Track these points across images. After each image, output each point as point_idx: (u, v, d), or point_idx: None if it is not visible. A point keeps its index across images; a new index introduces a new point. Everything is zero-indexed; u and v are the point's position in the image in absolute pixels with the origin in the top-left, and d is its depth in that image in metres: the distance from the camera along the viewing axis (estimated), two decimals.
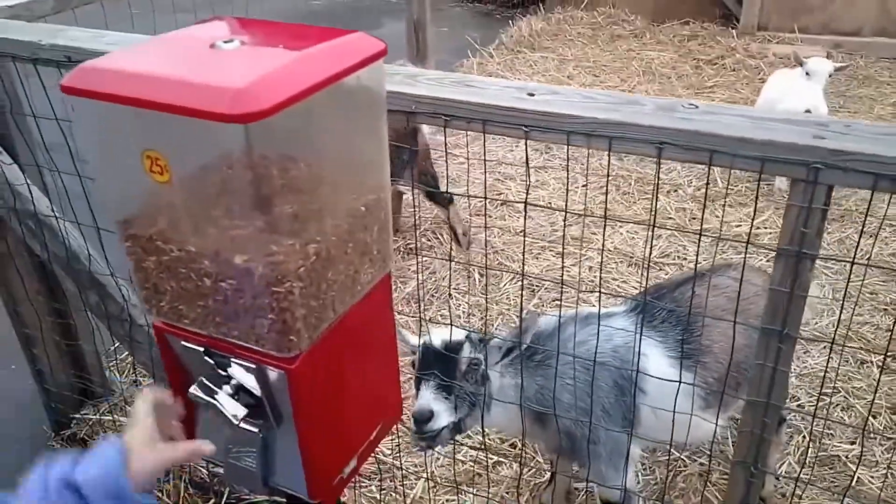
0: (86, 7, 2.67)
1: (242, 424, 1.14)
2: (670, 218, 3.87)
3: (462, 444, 2.66)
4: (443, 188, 3.62)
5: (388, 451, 2.67)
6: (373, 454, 2.62)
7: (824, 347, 3.12)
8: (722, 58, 5.99)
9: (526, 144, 1.46)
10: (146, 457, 1.01)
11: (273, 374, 1.07)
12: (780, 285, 1.34)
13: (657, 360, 1.99)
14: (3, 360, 3.14)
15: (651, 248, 3.63)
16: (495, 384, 1.92)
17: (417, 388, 1.85)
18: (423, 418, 1.76)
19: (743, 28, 6.28)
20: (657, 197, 4.11)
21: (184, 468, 2.56)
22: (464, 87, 1.51)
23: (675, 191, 4.19)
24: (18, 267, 2.52)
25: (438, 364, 1.81)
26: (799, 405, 2.86)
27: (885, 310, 3.36)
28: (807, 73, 4.26)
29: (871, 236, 3.77)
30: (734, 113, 1.32)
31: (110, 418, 2.78)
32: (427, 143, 3.44)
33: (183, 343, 1.13)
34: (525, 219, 3.32)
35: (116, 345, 3.11)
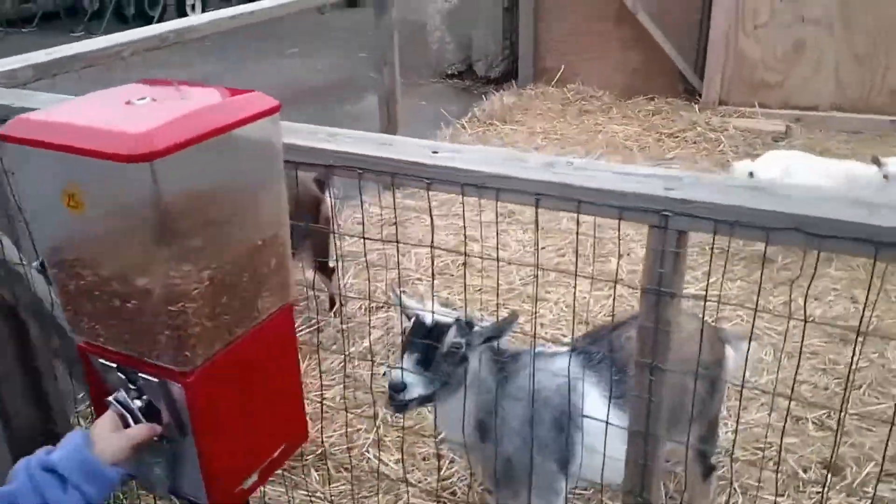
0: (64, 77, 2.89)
1: None
2: (621, 279, 4.04)
3: (401, 496, 2.75)
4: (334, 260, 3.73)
5: (336, 495, 2.76)
6: (319, 499, 2.72)
7: (762, 404, 3.24)
8: (683, 131, 6.28)
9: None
10: (110, 438, 1.20)
11: (173, 386, 1.21)
12: (645, 321, 1.50)
13: (593, 400, 2.14)
14: None
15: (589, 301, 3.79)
16: (472, 367, 2.06)
17: (402, 354, 2.02)
18: (396, 388, 1.92)
19: (704, 103, 6.60)
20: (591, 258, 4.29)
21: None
22: (378, 144, 1.70)
23: (629, 254, 4.38)
24: None
25: (424, 340, 1.97)
26: (733, 458, 2.97)
27: (824, 369, 3.50)
28: (885, 176, 3.97)
29: (815, 298, 3.94)
30: (602, 169, 1.51)
31: None
32: (328, 216, 3.55)
33: (101, 360, 1.27)
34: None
35: (81, 394, 3.22)
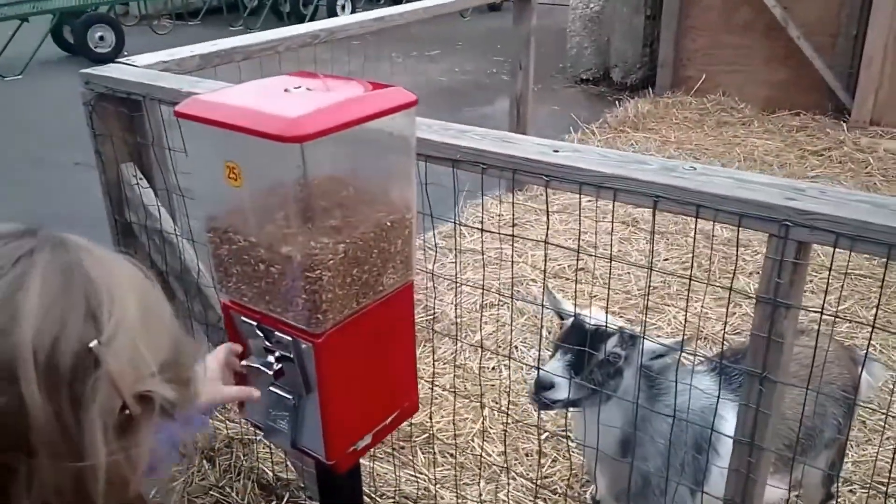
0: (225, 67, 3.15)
1: (279, 392, 1.43)
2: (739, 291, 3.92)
3: (503, 487, 2.83)
4: None
5: (440, 479, 2.87)
6: (423, 479, 2.84)
7: (888, 437, 3.08)
8: (829, 150, 5.98)
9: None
10: (209, 385, 1.32)
11: (304, 345, 1.35)
12: (758, 331, 1.50)
13: (733, 423, 1.98)
14: None
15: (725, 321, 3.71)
16: (625, 382, 1.96)
17: (553, 353, 1.95)
18: (543, 386, 1.87)
19: (854, 122, 6.26)
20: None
21: (252, 469, 2.86)
22: (501, 141, 1.78)
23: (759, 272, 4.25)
24: None
25: (580, 343, 1.88)
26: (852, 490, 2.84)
27: None
28: None
29: None
30: (723, 175, 1.53)
31: None
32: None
33: (242, 318, 1.43)
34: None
35: None
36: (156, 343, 0.77)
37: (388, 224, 1.39)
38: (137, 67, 2.66)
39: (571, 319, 1.97)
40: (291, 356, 1.37)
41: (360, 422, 1.48)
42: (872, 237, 1.31)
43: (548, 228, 1.87)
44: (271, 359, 1.40)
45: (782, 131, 6.44)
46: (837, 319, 2.75)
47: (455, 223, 1.99)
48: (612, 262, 1.79)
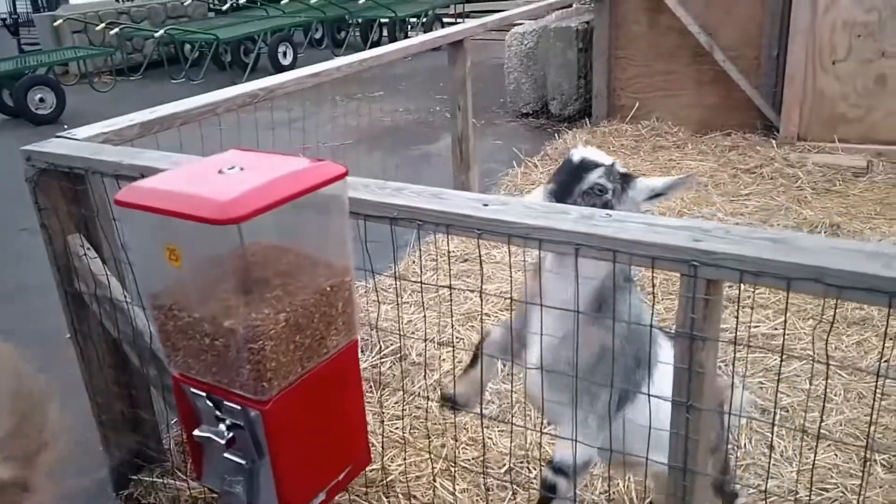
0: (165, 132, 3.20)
1: (232, 457, 1.49)
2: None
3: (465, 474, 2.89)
4: None
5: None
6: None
7: (828, 445, 3.23)
8: (760, 167, 6.24)
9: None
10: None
11: (252, 413, 1.41)
12: (680, 363, 1.61)
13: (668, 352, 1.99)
14: (83, 427, 3.57)
15: None
16: None
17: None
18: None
19: (782, 138, 6.54)
20: None
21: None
22: (435, 198, 1.88)
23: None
24: (95, 343, 2.97)
25: (566, 175, 1.91)
26: (797, 498, 2.97)
27: None
28: None
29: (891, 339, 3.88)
30: (636, 220, 1.65)
31: (162, 481, 3.14)
32: None
33: (192, 390, 1.49)
34: None
35: (174, 420, 3.51)
36: None
37: (328, 288, 1.47)
38: (78, 141, 2.71)
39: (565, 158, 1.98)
40: (242, 424, 1.44)
41: (313, 480, 1.54)
42: (772, 272, 1.44)
43: (482, 279, 1.95)
44: (222, 427, 1.46)
45: (715, 151, 6.69)
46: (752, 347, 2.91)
47: (395, 276, 2.06)
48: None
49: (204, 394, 1.46)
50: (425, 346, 3.93)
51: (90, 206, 2.74)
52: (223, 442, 1.44)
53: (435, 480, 3.19)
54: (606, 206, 1.87)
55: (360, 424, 1.66)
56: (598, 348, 1.89)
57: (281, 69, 11.50)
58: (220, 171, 1.39)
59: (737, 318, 2.12)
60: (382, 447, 3.03)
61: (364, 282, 4.26)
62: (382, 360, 3.95)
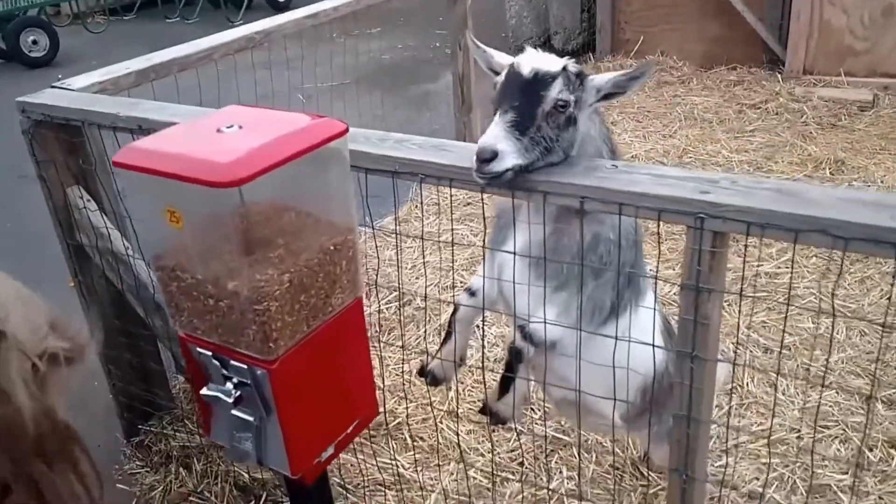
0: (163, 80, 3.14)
1: (240, 413, 1.50)
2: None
3: (472, 464, 2.95)
4: None
5: (408, 466, 2.98)
6: (393, 466, 2.94)
7: (831, 382, 3.27)
8: (765, 102, 6.15)
9: None
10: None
11: (259, 371, 1.42)
12: (685, 314, 1.61)
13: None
14: (89, 376, 3.62)
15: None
16: (582, 130, 1.75)
17: (494, 113, 1.68)
18: (486, 157, 1.59)
19: (788, 72, 6.43)
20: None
21: (229, 472, 2.94)
22: (438, 150, 1.86)
23: None
24: (100, 294, 2.98)
25: (520, 96, 1.65)
26: (798, 436, 3.02)
27: None
28: None
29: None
30: (643, 172, 1.62)
31: (172, 428, 3.20)
32: None
33: (198, 349, 1.49)
34: None
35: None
36: (38, 316, 0.91)
37: (332, 248, 1.46)
38: (73, 91, 2.66)
39: (505, 71, 1.71)
40: (249, 382, 1.44)
41: (321, 435, 1.56)
42: (779, 223, 1.42)
43: (485, 232, 1.94)
44: (230, 385, 1.47)
45: (720, 87, 6.59)
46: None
47: (395, 221, 2.05)
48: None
49: (210, 353, 1.47)
50: (426, 291, 3.93)
51: (88, 159, 2.71)
52: (230, 401, 1.45)
53: (442, 422, 3.25)
54: (570, 122, 1.69)
55: (367, 378, 1.67)
56: (590, 237, 1.78)
57: (278, 6, 11.26)
58: (218, 130, 1.36)
59: (743, 267, 2.10)
60: (384, 394, 3.07)
61: (364, 231, 4.25)
62: (388, 306, 3.97)
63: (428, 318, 3.90)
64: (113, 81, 2.81)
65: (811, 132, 5.65)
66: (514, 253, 1.81)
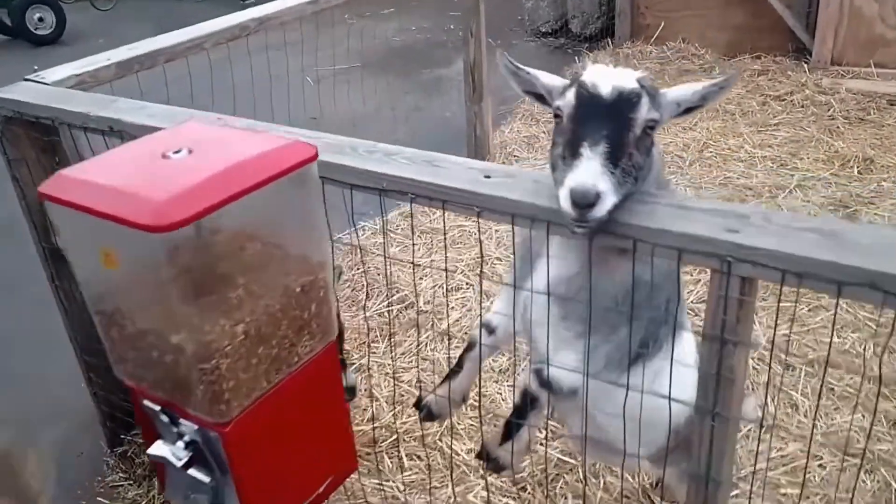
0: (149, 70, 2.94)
1: (195, 474, 1.31)
2: None
3: (471, 489, 2.77)
4: None
5: (402, 488, 2.81)
6: (386, 489, 2.77)
7: (856, 405, 3.05)
8: (791, 93, 5.86)
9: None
10: None
11: (212, 434, 1.23)
12: (707, 367, 1.41)
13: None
14: (75, 378, 3.47)
15: None
16: (654, 158, 1.53)
17: (574, 155, 1.36)
18: (588, 202, 1.30)
19: (815, 62, 6.13)
20: None
21: None
22: (430, 166, 1.65)
23: None
24: (78, 300, 2.80)
25: (607, 121, 1.38)
26: (821, 465, 2.82)
27: None
28: None
29: None
30: (663, 202, 1.41)
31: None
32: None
33: (144, 401, 1.31)
34: None
35: None
36: None
37: (299, 289, 1.26)
38: (47, 85, 2.47)
39: (574, 93, 1.45)
40: (200, 442, 1.26)
41: (286, 498, 1.37)
42: (819, 273, 1.21)
43: (482, 254, 1.73)
44: (180, 445, 1.29)
45: (744, 76, 6.29)
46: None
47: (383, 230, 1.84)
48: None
49: (158, 408, 1.28)
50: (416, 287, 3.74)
51: (65, 157, 2.53)
52: (179, 465, 1.26)
53: (441, 440, 3.07)
54: (651, 143, 1.48)
55: (342, 430, 1.48)
56: (631, 277, 1.52)
57: None
58: (164, 156, 1.16)
59: (776, 321, 1.89)
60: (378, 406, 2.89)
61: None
62: (389, 309, 3.78)
63: (431, 324, 3.71)
64: (92, 74, 2.62)
65: (838, 127, 5.37)
66: (548, 293, 1.59)
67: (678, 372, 1.53)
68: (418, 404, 2.07)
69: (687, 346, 1.72)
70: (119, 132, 2.10)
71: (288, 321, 1.25)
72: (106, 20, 10.48)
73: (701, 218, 1.34)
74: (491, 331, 1.92)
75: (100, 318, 1.25)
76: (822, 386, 2.60)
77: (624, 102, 1.40)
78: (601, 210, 1.31)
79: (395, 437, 3.04)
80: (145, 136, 1.29)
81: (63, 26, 9.43)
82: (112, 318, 1.22)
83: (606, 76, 1.45)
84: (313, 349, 1.32)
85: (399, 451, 2.97)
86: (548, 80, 1.59)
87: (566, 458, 2.88)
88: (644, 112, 1.41)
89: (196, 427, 1.24)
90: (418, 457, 2.97)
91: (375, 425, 3.05)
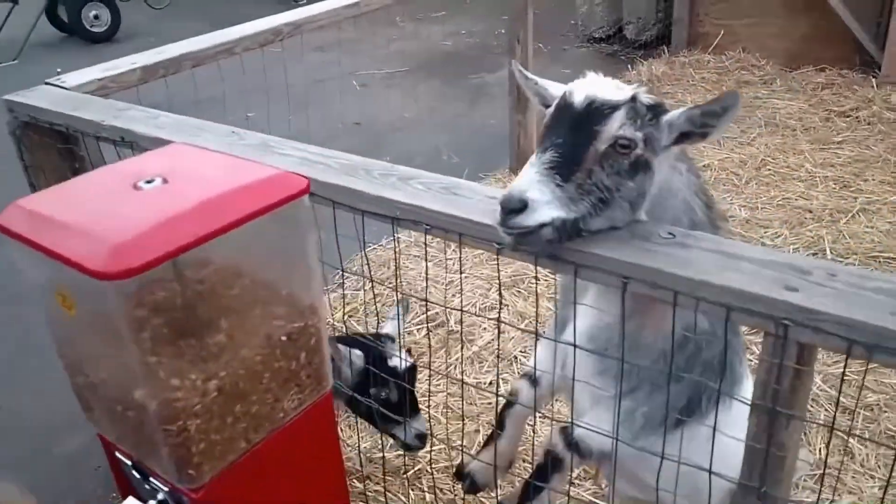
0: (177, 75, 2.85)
1: None
2: None
3: None
4: None
5: None
6: None
7: None
8: (856, 109, 5.53)
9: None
10: None
11: (184, 499, 1.09)
12: (755, 441, 1.21)
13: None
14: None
15: None
16: (658, 180, 1.35)
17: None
18: (513, 206, 1.21)
19: (884, 77, 5.77)
20: None
21: None
22: (449, 194, 1.49)
23: None
24: None
25: (568, 131, 1.28)
26: None
27: None
28: None
29: None
30: (708, 246, 1.22)
31: None
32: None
33: (115, 453, 1.17)
34: None
35: None
36: None
37: (284, 338, 1.11)
38: (66, 90, 2.38)
39: (556, 101, 1.35)
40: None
41: None
42: (893, 347, 1.01)
43: (501, 296, 1.57)
44: (153, 503, 1.15)
45: (806, 90, 5.98)
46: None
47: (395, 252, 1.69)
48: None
49: (130, 462, 1.15)
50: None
51: (84, 165, 2.44)
52: None
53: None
54: (639, 168, 1.30)
55: (336, 482, 1.33)
56: (680, 331, 1.35)
57: None
58: (135, 186, 1.03)
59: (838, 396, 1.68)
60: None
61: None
62: (419, 328, 3.63)
63: (461, 344, 3.54)
64: (115, 78, 2.52)
65: None
66: (574, 345, 1.42)
67: (735, 435, 1.34)
68: (459, 473, 1.89)
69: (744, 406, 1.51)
70: (130, 143, 1.99)
71: (271, 374, 1.10)
72: (161, 18, 10.58)
73: (752, 269, 1.15)
74: (533, 382, 1.75)
75: (64, 363, 1.12)
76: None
77: (592, 113, 1.29)
78: (527, 219, 1.21)
79: (418, 467, 2.88)
80: (121, 162, 1.16)
81: (118, 24, 9.54)
82: (76, 363, 1.09)
83: (591, 85, 1.33)
84: (302, 403, 1.17)
85: (422, 483, 2.81)
86: (553, 90, 1.46)
87: (598, 502, 2.68)
88: (614, 127, 1.27)
89: (167, 488, 1.10)
90: (442, 490, 2.81)
91: (398, 453, 2.91)
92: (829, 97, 5.81)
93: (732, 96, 1.29)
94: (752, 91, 6.08)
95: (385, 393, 2.08)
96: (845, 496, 2.64)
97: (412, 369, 2.17)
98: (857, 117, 5.47)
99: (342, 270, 1.24)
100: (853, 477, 2.73)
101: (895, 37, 5.71)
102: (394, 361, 2.12)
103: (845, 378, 3.09)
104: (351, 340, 2.10)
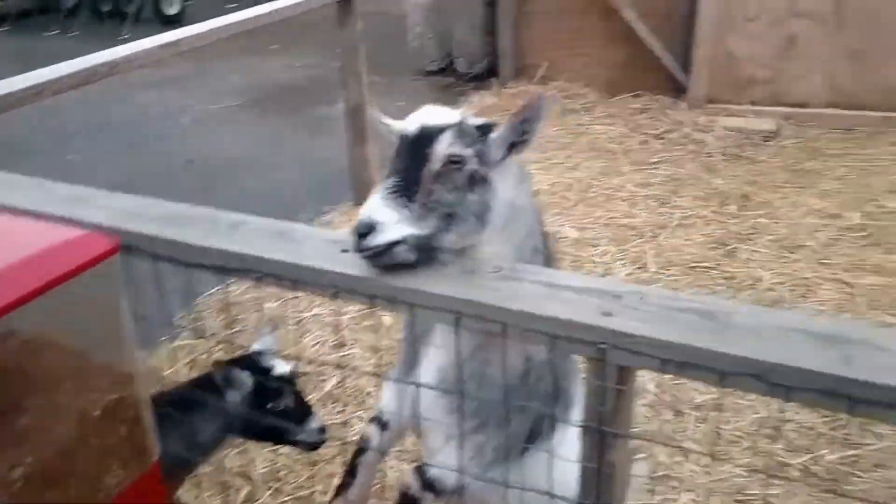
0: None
1: None
2: None
3: None
4: None
5: None
6: None
7: (745, 448, 3.03)
8: (670, 132, 6.01)
9: None
10: None
11: None
12: (587, 461, 1.27)
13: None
14: None
15: None
16: (501, 196, 1.47)
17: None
18: (361, 231, 1.30)
19: (692, 101, 6.32)
20: None
21: None
22: (280, 240, 1.46)
23: None
24: None
25: (406, 157, 1.41)
26: None
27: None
28: None
29: None
30: (532, 278, 1.27)
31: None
32: None
33: None
34: None
35: None
36: None
37: (98, 413, 1.04)
38: None
39: (399, 137, 1.46)
40: None
41: None
42: (701, 363, 1.09)
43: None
44: None
45: (625, 115, 6.42)
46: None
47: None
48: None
49: None
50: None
51: None
52: None
53: None
54: (475, 181, 1.42)
55: None
56: (521, 362, 1.49)
57: (167, 20, 10.60)
58: None
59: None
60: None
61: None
62: None
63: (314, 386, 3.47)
64: None
65: (715, 164, 5.52)
66: (422, 385, 1.43)
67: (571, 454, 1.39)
68: None
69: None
70: None
71: (87, 451, 1.02)
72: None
73: (574, 298, 1.21)
74: (383, 426, 1.73)
75: None
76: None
77: (424, 138, 1.41)
78: (377, 239, 1.30)
79: None
80: None
81: None
82: None
83: (425, 115, 1.47)
84: (126, 479, 1.10)
85: None
86: (399, 126, 1.52)
87: None
88: (443, 147, 1.40)
89: None
90: None
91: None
92: (645, 121, 6.27)
93: (539, 98, 1.44)
94: (576, 118, 6.46)
95: (284, 404, 2.07)
96: (683, 494, 2.82)
97: (295, 372, 2.18)
98: (670, 139, 5.94)
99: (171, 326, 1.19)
100: (690, 474, 2.92)
101: (699, 64, 6.28)
102: (279, 369, 2.12)
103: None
104: (230, 364, 2.06)
